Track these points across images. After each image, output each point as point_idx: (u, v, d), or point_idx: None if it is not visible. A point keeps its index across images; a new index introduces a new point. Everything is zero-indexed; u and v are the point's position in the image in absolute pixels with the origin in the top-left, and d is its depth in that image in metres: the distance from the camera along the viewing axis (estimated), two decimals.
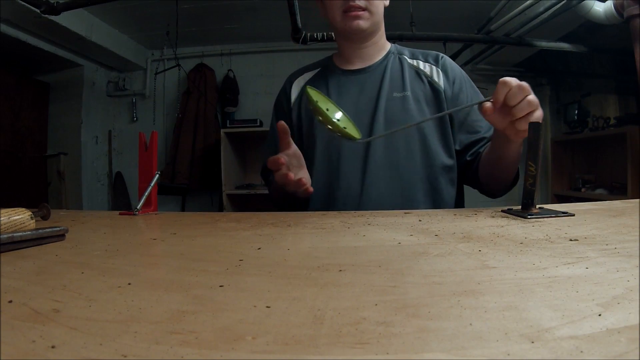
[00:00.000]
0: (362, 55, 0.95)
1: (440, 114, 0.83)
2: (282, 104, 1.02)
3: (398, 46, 0.99)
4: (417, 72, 0.92)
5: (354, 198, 0.86)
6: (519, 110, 0.61)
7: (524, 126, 0.62)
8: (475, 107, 0.85)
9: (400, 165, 0.86)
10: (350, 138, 0.66)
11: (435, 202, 0.87)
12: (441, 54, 0.95)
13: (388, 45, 0.98)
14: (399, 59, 0.94)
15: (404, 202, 0.85)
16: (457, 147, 0.90)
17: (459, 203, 0.92)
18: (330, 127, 0.66)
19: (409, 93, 0.88)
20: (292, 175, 0.69)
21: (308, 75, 1.00)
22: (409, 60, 0.94)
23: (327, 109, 0.68)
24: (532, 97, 0.61)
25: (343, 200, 0.87)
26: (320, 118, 0.65)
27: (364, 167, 0.86)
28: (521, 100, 0.61)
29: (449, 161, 0.89)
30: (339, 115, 0.71)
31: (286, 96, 1.00)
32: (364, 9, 0.86)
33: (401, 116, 0.87)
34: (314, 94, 0.68)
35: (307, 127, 0.95)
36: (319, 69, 1.00)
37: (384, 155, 0.86)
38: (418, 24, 2.27)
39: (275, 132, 1.00)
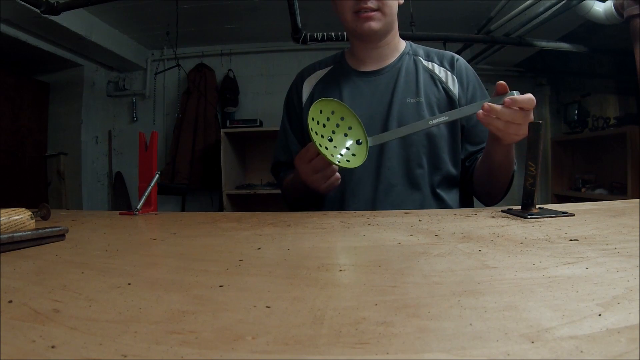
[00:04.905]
0: (375, 56, 0.93)
1: (440, 121, 0.75)
2: (292, 101, 0.99)
3: (413, 45, 0.96)
4: (432, 76, 0.90)
5: (366, 204, 0.85)
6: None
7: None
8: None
9: (411, 172, 0.85)
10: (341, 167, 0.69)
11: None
12: (456, 56, 0.93)
13: (402, 45, 0.95)
14: (414, 60, 0.92)
15: (415, 209, 0.84)
16: (461, 156, 0.90)
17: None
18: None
19: (422, 99, 0.87)
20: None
21: (320, 73, 0.98)
22: (424, 62, 0.92)
23: (327, 148, 0.71)
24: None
25: (356, 207, 0.86)
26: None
27: (377, 173, 0.85)
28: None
29: (454, 170, 0.88)
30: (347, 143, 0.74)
31: (297, 94, 0.98)
32: (375, 10, 0.84)
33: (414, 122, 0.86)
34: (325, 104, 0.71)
35: None
36: (330, 67, 0.98)
37: (396, 162, 0.85)
38: (418, 24, 2.27)
39: (287, 131, 1.00)
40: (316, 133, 0.69)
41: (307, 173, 0.72)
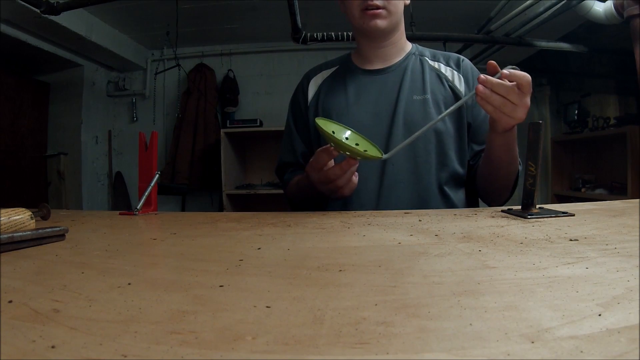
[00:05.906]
0: (381, 55, 0.93)
1: (442, 115, 0.79)
2: (298, 101, 1.00)
3: (419, 47, 0.97)
4: (438, 75, 0.91)
5: (371, 201, 0.85)
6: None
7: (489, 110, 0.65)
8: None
9: (417, 169, 0.85)
10: (373, 158, 0.67)
11: (447, 207, 0.86)
12: (462, 57, 0.93)
13: (409, 46, 0.96)
14: (420, 60, 0.93)
15: (420, 206, 0.84)
16: (467, 156, 0.90)
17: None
18: (356, 155, 0.65)
19: (429, 96, 0.87)
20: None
21: (326, 73, 0.99)
22: (430, 62, 0.92)
23: (346, 138, 0.69)
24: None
25: (361, 203, 0.85)
26: (347, 153, 0.65)
27: (383, 169, 0.85)
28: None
29: (460, 169, 0.88)
30: (358, 140, 0.72)
31: (303, 94, 0.99)
32: (382, 8, 0.85)
33: (421, 120, 0.85)
34: (323, 124, 0.68)
35: None
36: (337, 67, 0.99)
37: (402, 158, 0.85)
38: (418, 24, 2.27)
39: (292, 132, 1.00)
40: (332, 132, 0.68)
41: (323, 180, 0.71)
